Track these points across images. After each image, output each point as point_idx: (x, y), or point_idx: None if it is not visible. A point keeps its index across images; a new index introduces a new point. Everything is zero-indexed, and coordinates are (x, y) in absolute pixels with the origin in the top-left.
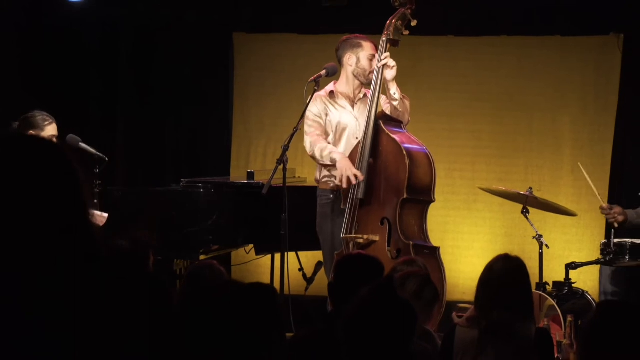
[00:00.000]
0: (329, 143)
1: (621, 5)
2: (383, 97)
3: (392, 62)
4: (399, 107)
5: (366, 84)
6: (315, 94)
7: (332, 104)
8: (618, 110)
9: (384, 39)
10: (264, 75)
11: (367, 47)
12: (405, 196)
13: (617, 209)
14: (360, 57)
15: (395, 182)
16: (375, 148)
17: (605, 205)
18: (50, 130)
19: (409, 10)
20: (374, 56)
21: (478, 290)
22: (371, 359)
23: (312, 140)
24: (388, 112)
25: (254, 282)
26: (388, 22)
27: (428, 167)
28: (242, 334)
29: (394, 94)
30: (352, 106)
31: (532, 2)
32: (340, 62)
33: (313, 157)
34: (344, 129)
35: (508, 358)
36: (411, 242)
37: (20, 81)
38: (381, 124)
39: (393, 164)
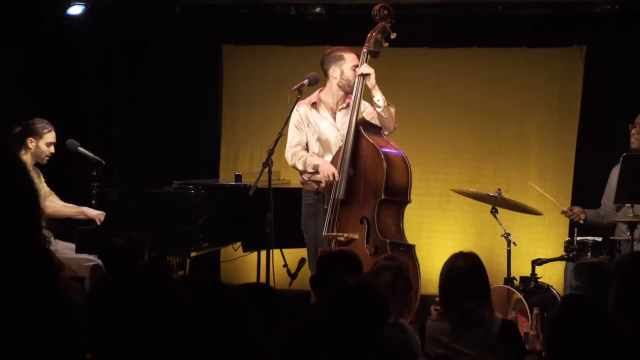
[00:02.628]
0: (309, 154)
1: (584, 19)
2: (368, 106)
3: (367, 70)
4: (383, 113)
5: (351, 93)
6: (299, 103)
7: (314, 114)
8: (580, 116)
9: (364, 50)
10: (250, 84)
11: (349, 59)
12: (382, 197)
13: (577, 209)
14: (343, 69)
15: (373, 184)
16: (356, 152)
17: (565, 208)
18: (48, 137)
19: (389, 24)
20: (356, 66)
21: (444, 286)
22: (347, 345)
23: (292, 153)
24: (374, 120)
25: (253, 282)
26: (369, 34)
27: (404, 170)
28: (244, 328)
29: (378, 100)
30: (334, 117)
31: (500, 15)
32: (325, 74)
33: (294, 168)
34: (326, 140)
35: (477, 343)
36: (388, 240)
37: (21, 88)
38: (361, 130)
39: (372, 167)
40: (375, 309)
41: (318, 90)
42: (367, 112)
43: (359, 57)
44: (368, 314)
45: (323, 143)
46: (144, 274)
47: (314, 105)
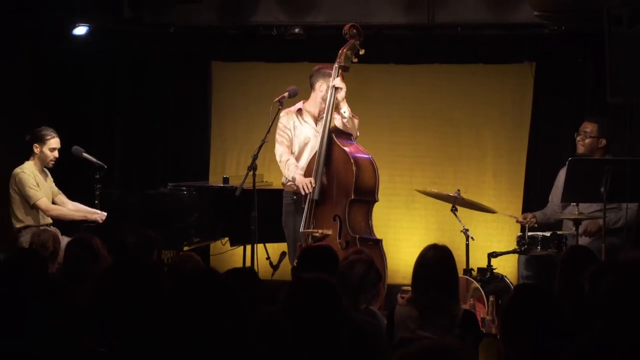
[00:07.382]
0: (293, 153)
1: (533, 38)
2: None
3: (340, 84)
4: (347, 124)
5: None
6: (286, 110)
7: (299, 120)
8: (531, 125)
9: (336, 65)
10: (237, 97)
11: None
12: (352, 197)
13: (529, 215)
14: (329, 85)
15: (344, 186)
16: (329, 157)
17: (520, 219)
18: (52, 143)
19: (358, 42)
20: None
21: (415, 274)
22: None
23: (282, 152)
24: (340, 126)
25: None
26: (340, 51)
27: (372, 172)
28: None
29: (344, 112)
30: (316, 123)
31: (460, 35)
32: (312, 86)
33: (280, 164)
34: (306, 143)
35: (441, 330)
36: (357, 236)
37: (32, 101)
38: (333, 137)
39: (343, 170)
40: (328, 295)
41: (302, 101)
42: (335, 118)
43: (342, 77)
44: (323, 301)
45: (304, 145)
46: (148, 269)
47: (299, 112)
